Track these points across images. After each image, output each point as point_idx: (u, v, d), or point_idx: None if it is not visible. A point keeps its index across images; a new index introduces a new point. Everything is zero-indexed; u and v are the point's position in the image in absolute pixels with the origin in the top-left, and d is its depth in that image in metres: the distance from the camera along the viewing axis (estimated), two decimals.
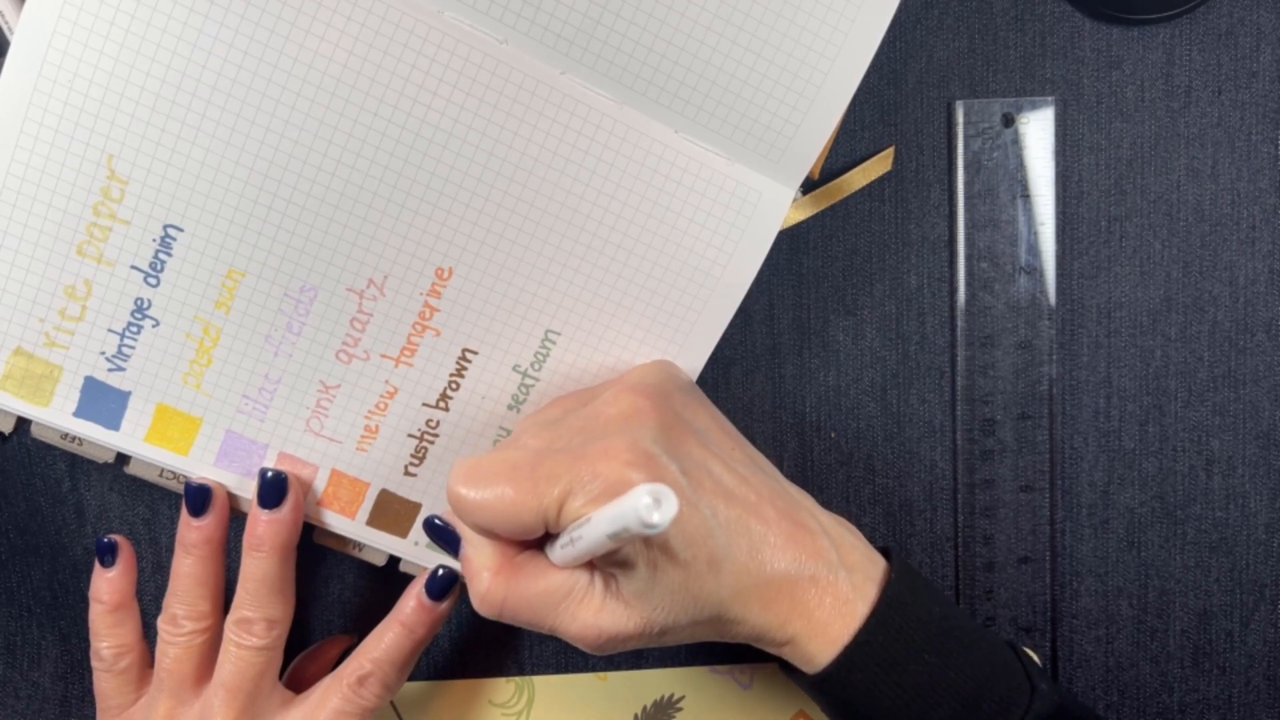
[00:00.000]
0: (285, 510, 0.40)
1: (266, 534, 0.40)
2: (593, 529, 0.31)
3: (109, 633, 0.41)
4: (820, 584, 0.36)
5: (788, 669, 0.38)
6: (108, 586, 0.41)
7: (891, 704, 0.36)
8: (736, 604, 0.35)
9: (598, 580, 0.35)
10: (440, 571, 0.41)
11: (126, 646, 0.42)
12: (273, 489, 0.40)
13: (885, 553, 0.38)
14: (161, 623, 0.41)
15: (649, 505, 0.27)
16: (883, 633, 0.35)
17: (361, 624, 0.46)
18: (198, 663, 0.41)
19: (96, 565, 0.41)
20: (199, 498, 0.40)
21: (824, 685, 0.36)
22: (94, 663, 0.42)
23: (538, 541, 0.36)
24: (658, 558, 0.33)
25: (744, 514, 0.35)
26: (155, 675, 0.41)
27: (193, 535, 0.40)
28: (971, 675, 0.36)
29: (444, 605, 0.41)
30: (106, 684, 0.42)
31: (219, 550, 0.41)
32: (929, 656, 0.36)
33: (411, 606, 0.41)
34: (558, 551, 0.35)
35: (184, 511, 0.40)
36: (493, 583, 0.36)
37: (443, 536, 0.39)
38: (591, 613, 0.35)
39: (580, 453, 0.34)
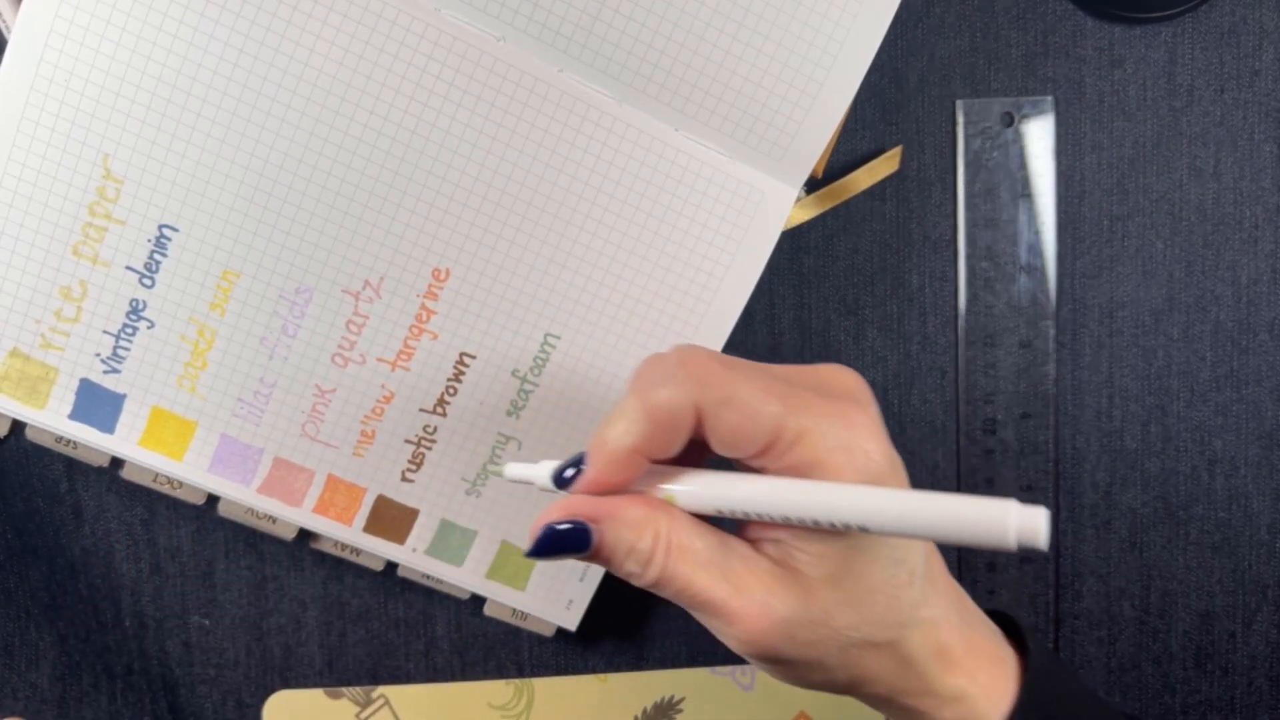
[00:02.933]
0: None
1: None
2: (910, 514, 0.26)
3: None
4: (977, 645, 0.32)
5: None
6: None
7: None
8: (917, 633, 0.29)
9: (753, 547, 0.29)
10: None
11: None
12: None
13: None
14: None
15: (1031, 529, 0.23)
16: (1042, 690, 0.32)
17: (361, 624, 0.45)
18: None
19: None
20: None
21: None
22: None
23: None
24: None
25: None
26: None
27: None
28: None
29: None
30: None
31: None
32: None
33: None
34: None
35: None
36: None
37: (568, 541, 0.29)
38: (758, 580, 0.28)
39: (843, 418, 0.28)
